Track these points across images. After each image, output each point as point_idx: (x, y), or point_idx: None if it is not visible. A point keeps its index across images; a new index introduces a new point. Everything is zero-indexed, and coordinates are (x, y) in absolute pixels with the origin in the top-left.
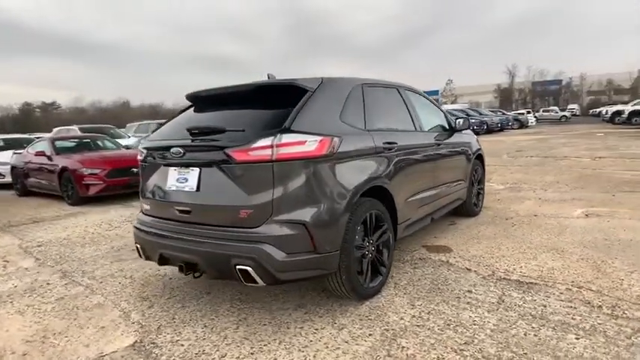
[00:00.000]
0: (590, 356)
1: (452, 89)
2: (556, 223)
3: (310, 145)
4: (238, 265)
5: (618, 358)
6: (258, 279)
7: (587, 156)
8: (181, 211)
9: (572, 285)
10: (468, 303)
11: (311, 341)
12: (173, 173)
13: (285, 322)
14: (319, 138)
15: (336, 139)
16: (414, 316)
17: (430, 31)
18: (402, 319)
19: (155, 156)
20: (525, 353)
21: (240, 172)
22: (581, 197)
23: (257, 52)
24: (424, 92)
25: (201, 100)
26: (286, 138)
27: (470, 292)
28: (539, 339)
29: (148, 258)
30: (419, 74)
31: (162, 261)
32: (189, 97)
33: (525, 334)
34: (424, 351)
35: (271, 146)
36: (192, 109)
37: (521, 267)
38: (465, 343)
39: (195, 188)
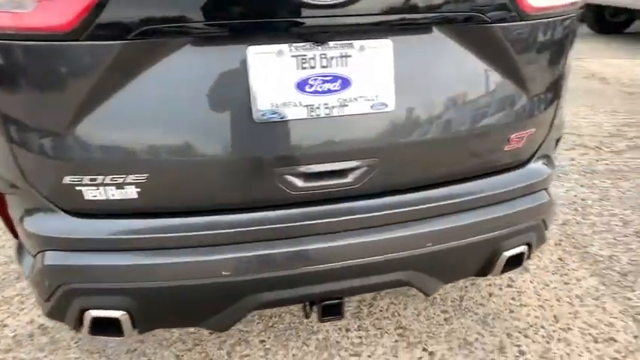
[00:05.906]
0: None
1: None
2: None
3: None
4: (511, 249)
5: None
6: (525, 260)
7: None
8: (327, 174)
9: None
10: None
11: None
12: (280, 66)
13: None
14: None
15: None
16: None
17: None
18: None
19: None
20: None
21: (521, 41)
22: None
23: None
24: None
25: None
26: None
27: None
28: None
29: (177, 323)
30: None
31: (260, 307)
32: None
33: None
34: None
35: None
36: None
37: None
38: None
39: (389, 104)
